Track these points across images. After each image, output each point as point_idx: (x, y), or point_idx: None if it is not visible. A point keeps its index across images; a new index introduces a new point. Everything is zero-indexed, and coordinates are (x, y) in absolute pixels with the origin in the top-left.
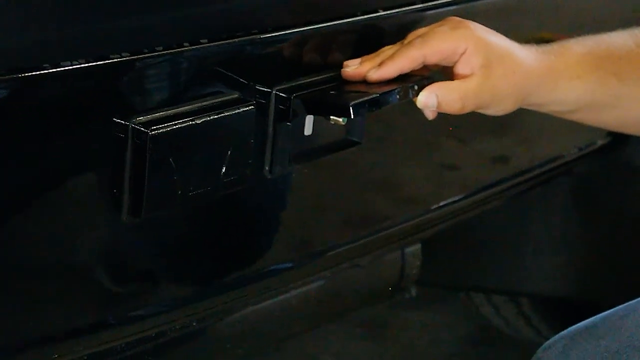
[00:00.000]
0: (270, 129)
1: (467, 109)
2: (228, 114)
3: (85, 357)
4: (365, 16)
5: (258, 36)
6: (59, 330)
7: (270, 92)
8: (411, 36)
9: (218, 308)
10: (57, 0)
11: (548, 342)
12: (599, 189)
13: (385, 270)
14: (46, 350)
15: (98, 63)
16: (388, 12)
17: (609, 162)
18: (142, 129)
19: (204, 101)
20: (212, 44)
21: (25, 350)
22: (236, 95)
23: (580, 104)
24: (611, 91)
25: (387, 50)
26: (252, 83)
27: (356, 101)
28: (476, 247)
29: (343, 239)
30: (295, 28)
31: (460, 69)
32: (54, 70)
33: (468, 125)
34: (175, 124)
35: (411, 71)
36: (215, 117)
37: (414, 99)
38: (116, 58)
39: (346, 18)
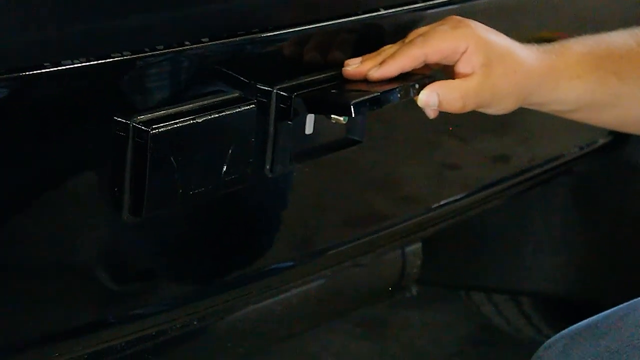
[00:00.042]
0: (271, 127)
1: (468, 108)
2: (229, 112)
3: (86, 356)
4: (366, 15)
5: (259, 35)
6: (59, 329)
7: (271, 91)
8: (412, 35)
9: (219, 307)
10: None
11: (548, 341)
12: (600, 188)
13: (385, 269)
14: (46, 349)
15: (99, 62)
16: (389, 11)
17: (609, 162)
18: (143, 127)
19: (205, 100)
20: (213, 42)
21: (25, 349)
22: (237, 94)
23: (580, 103)
24: (611, 90)
25: (388, 49)
26: (253, 82)
27: (357, 100)
28: (477, 246)
29: (344, 238)
30: (296, 27)
31: (461, 68)
32: (55, 69)
33: (469, 124)
34: (176, 123)
35: (412, 70)
36: (216, 116)
37: (415, 98)
38: (117, 57)
39: (347, 17)
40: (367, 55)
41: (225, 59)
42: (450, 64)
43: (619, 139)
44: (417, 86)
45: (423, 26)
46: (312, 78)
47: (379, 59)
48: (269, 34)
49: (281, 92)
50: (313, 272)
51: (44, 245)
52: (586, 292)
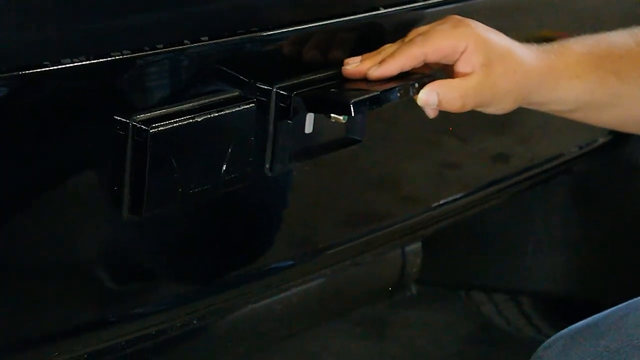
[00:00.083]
0: (271, 126)
1: (468, 107)
2: (229, 111)
3: (86, 355)
4: (366, 14)
5: (258, 34)
6: (59, 328)
7: (271, 90)
8: (412, 34)
9: (219, 306)
10: None
11: (548, 340)
12: (600, 187)
13: (385, 269)
14: (47, 348)
15: (98, 61)
16: (389, 10)
17: (609, 161)
18: (143, 126)
19: (205, 99)
20: (212, 41)
21: (25, 349)
22: (237, 93)
23: (580, 103)
24: (611, 90)
25: (388, 48)
26: (252, 81)
27: (357, 99)
28: (477, 245)
29: (343, 237)
30: (296, 26)
31: (460, 67)
32: (55, 67)
33: (468, 123)
34: (176, 122)
35: (412, 69)
36: (216, 114)
37: (414, 97)
38: (117, 56)
39: (347, 16)
40: (366, 55)
41: (224, 58)
42: (450, 63)
43: (618, 139)
44: (416, 85)
45: (423, 25)
46: (312, 77)
47: (379, 58)
48: (268, 33)
49: (281, 91)
50: (313, 272)
51: (43, 244)
52: (586, 292)
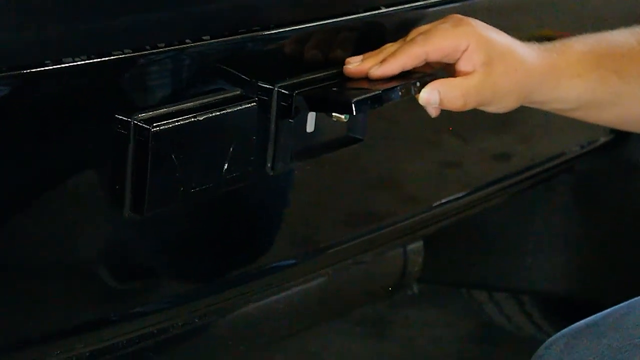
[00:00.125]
0: (273, 125)
1: (469, 106)
2: (230, 110)
3: (87, 354)
4: (368, 13)
5: (260, 33)
6: (61, 326)
7: (273, 89)
8: (413, 33)
9: (220, 305)
10: None
11: (550, 340)
12: (601, 186)
13: (387, 268)
14: (48, 347)
15: (100, 60)
16: (390, 9)
17: (610, 160)
18: (144, 125)
19: (206, 98)
20: (214, 40)
21: (27, 347)
22: (238, 92)
23: (581, 102)
24: (612, 89)
25: (389, 47)
26: (254, 80)
27: (358, 98)
28: (478, 244)
29: (344, 236)
30: (298, 25)
31: (462, 66)
32: (56, 67)
33: (470, 122)
34: (177, 121)
35: (413, 68)
36: (217, 113)
37: (416, 96)
38: (118, 55)
39: (348, 15)
40: (368, 54)
41: (226, 56)
42: (451, 62)
43: (620, 138)
44: (418, 84)
45: (424, 24)
46: (314, 76)
47: (380, 57)
48: (270, 32)
49: (282, 90)
50: (314, 271)
51: (45, 243)
52: (587, 291)
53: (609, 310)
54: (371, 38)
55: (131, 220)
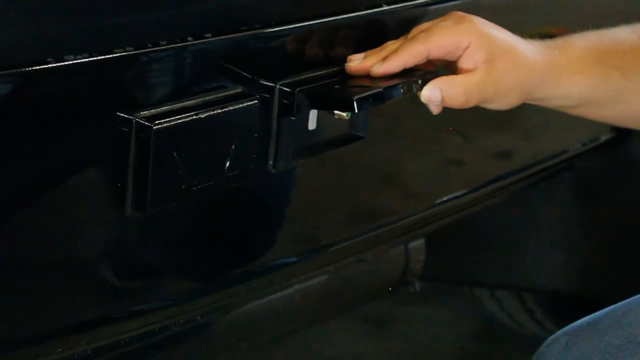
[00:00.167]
0: (274, 123)
1: (471, 103)
2: (232, 108)
3: (90, 351)
4: (369, 11)
5: (262, 31)
6: (63, 324)
7: (274, 87)
8: (415, 31)
9: (222, 303)
10: None
11: (551, 337)
12: (602, 184)
13: (389, 265)
14: (50, 345)
15: (102, 58)
16: (392, 6)
17: (612, 157)
18: (146, 123)
19: (208, 96)
20: (216, 38)
21: (29, 345)
22: (240, 90)
23: (582, 98)
24: (614, 86)
25: (391, 44)
26: (256, 77)
27: (360, 95)
28: (480, 242)
29: (346, 234)
30: (299, 22)
31: (463, 63)
32: (58, 64)
33: (471, 120)
34: (179, 119)
35: (415, 66)
36: (219, 111)
37: (417, 94)
38: (120, 52)
39: (350, 12)
40: (369, 51)
41: (228, 54)
42: (453, 59)
43: (621, 135)
44: (420, 82)
45: (426, 22)
46: (315, 74)
47: (382, 54)
48: (271, 30)
49: (284, 88)
50: (316, 268)
51: (47, 241)
52: (589, 288)
53: (610, 307)
54: (373, 36)
55: (133, 218)
